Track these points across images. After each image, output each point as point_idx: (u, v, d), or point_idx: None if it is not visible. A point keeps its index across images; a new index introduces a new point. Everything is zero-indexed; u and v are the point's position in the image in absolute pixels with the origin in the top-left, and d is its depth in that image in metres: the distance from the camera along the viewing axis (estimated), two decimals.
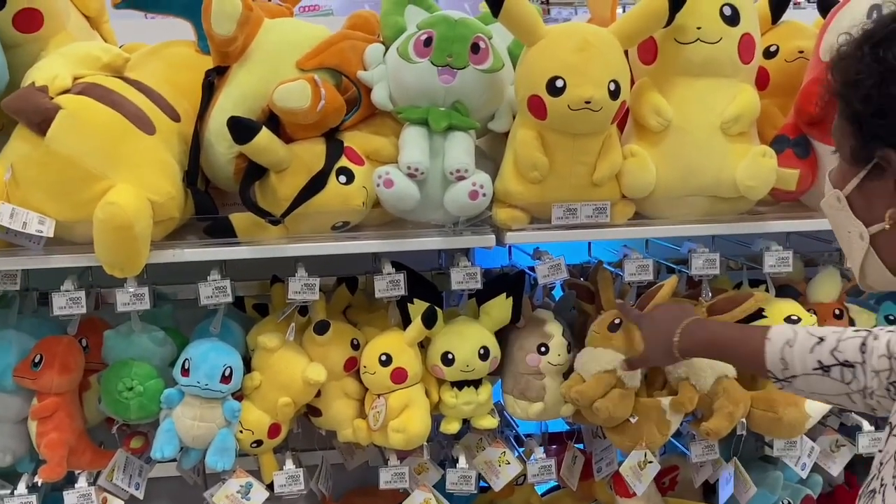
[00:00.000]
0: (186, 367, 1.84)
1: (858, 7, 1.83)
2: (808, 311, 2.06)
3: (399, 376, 1.93)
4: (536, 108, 1.77)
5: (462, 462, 2.08)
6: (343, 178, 1.80)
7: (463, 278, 1.93)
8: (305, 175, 1.78)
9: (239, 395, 1.93)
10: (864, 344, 1.33)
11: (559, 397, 2.00)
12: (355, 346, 1.99)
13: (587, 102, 1.72)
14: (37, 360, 1.82)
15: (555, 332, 2.03)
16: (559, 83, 1.72)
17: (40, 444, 1.84)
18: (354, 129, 1.90)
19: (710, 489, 2.39)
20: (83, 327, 1.92)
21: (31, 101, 1.66)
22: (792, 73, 2.09)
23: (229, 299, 1.85)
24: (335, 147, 1.83)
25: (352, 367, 1.99)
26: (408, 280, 1.92)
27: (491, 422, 2.02)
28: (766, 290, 2.14)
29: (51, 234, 1.67)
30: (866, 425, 2.19)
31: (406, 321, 1.98)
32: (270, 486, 1.99)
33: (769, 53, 2.13)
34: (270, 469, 2.00)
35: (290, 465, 2.00)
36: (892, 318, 2.20)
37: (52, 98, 1.67)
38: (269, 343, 1.91)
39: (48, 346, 1.85)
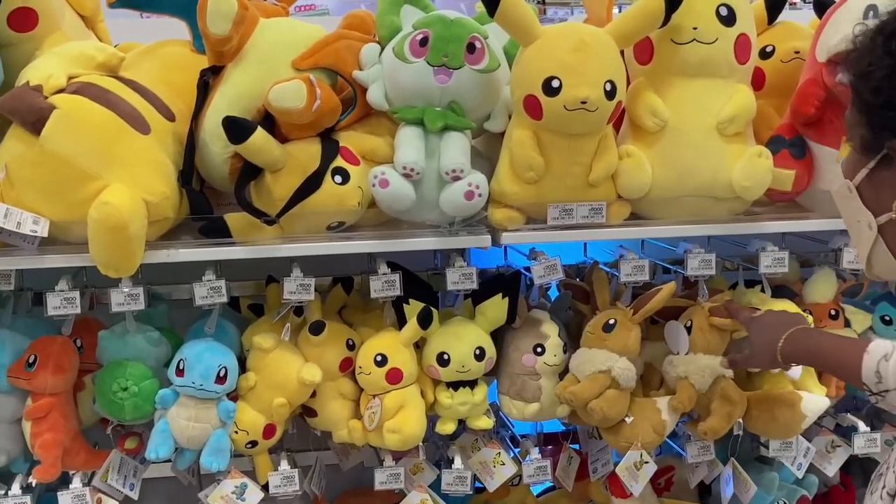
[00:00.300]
0: (181, 368, 1.84)
1: (854, 7, 1.83)
2: (804, 311, 2.06)
3: (394, 377, 1.93)
4: (532, 108, 1.77)
5: (457, 463, 2.07)
6: (338, 179, 1.79)
7: (459, 278, 1.93)
8: (301, 175, 1.78)
9: (234, 396, 1.92)
10: None
11: (555, 398, 2.00)
12: (351, 347, 1.99)
13: (583, 103, 1.72)
14: (31, 361, 1.82)
15: (551, 333, 2.03)
16: (555, 83, 1.72)
17: (35, 445, 1.83)
18: (350, 129, 1.89)
19: (705, 490, 2.39)
20: (78, 327, 1.92)
21: (26, 101, 1.65)
22: (788, 73, 2.09)
23: (224, 299, 1.85)
24: (331, 147, 1.82)
25: (347, 367, 1.98)
26: (403, 280, 1.91)
27: (486, 422, 2.02)
28: (762, 291, 2.14)
29: (45, 234, 1.67)
30: (862, 426, 2.20)
31: (401, 322, 1.97)
32: (265, 487, 1.98)
33: (765, 54, 2.13)
34: (265, 470, 1.99)
35: (285, 465, 2.00)
36: (887, 318, 2.20)
37: (47, 97, 1.66)
38: (265, 343, 1.91)
39: (42, 346, 1.84)
